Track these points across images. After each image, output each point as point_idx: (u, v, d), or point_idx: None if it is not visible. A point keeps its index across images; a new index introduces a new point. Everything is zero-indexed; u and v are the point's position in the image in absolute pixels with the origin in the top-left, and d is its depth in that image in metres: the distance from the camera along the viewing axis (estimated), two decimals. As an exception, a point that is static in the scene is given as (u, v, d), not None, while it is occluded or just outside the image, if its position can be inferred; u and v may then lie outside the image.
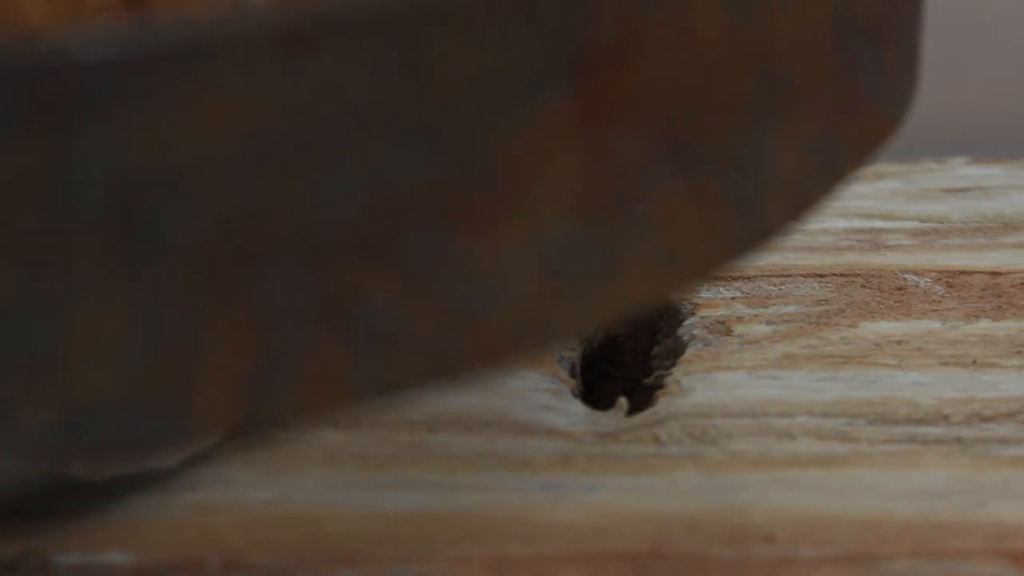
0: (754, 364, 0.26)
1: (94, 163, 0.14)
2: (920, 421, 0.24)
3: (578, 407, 0.25)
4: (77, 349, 0.14)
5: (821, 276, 0.29)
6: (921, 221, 0.31)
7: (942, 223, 0.31)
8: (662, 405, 0.25)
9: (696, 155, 0.16)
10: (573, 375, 0.26)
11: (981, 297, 0.28)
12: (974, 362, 0.26)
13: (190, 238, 0.14)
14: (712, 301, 0.28)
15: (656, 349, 0.27)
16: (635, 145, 0.16)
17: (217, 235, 0.14)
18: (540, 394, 0.25)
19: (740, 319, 0.27)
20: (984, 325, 0.27)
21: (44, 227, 0.14)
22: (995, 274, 0.29)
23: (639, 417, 0.24)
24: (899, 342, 0.26)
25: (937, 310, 0.27)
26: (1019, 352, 0.26)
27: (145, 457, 0.18)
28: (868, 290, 0.28)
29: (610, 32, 0.15)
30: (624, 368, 0.28)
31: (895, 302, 0.28)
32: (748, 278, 0.29)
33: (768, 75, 0.17)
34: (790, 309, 0.27)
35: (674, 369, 0.26)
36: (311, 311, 0.15)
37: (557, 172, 0.15)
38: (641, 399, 0.25)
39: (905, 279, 0.28)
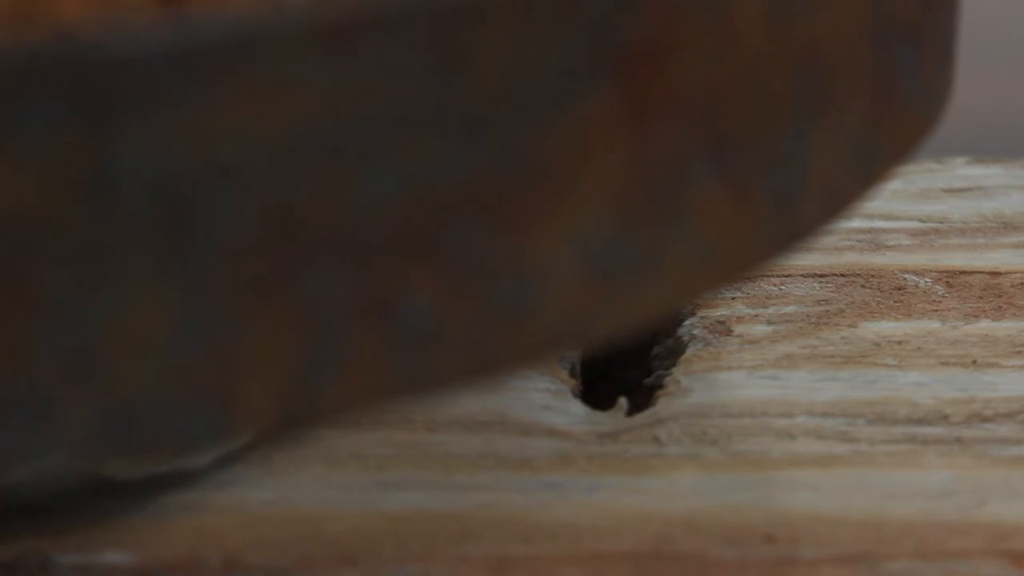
0: (754, 364, 0.26)
1: (138, 160, 0.14)
2: (920, 421, 0.24)
3: (578, 407, 0.25)
4: (121, 346, 0.14)
5: (821, 276, 0.29)
6: (921, 221, 0.31)
7: (942, 223, 0.31)
8: (662, 405, 0.25)
9: (736, 153, 0.16)
10: (573, 375, 0.26)
11: (981, 297, 0.28)
12: (974, 362, 0.26)
13: (234, 235, 0.14)
14: (712, 301, 0.28)
15: (656, 349, 0.27)
16: (677, 143, 0.16)
17: (261, 232, 0.14)
18: (540, 394, 0.25)
19: (740, 319, 0.27)
20: (984, 325, 0.27)
21: (88, 224, 0.14)
22: (995, 274, 0.29)
23: (639, 417, 0.24)
24: (899, 342, 0.26)
25: (937, 310, 0.27)
26: (1019, 352, 0.26)
27: (187, 453, 0.18)
28: (868, 290, 0.28)
29: (653, 29, 0.15)
30: (624, 368, 0.28)
31: (895, 302, 0.28)
32: (748, 278, 0.29)
33: (808, 73, 0.17)
34: (790, 309, 0.27)
35: (674, 369, 0.26)
36: (353, 308, 0.15)
37: (599, 169, 0.15)
38: (641, 399, 0.25)
39: (905, 279, 0.28)
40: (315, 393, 0.15)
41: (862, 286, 0.28)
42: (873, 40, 0.18)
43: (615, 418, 0.24)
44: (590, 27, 0.15)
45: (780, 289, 0.28)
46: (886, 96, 0.18)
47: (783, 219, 0.17)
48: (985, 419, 0.24)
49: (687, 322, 0.27)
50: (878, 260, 0.29)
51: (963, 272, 0.29)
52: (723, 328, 0.27)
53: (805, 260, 0.29)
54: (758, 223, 0.17)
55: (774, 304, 0.28)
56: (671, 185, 0.16)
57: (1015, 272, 0.29)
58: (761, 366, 0.26)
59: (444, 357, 0.15)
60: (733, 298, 0.28)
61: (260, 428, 0.15)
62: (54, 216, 0.14)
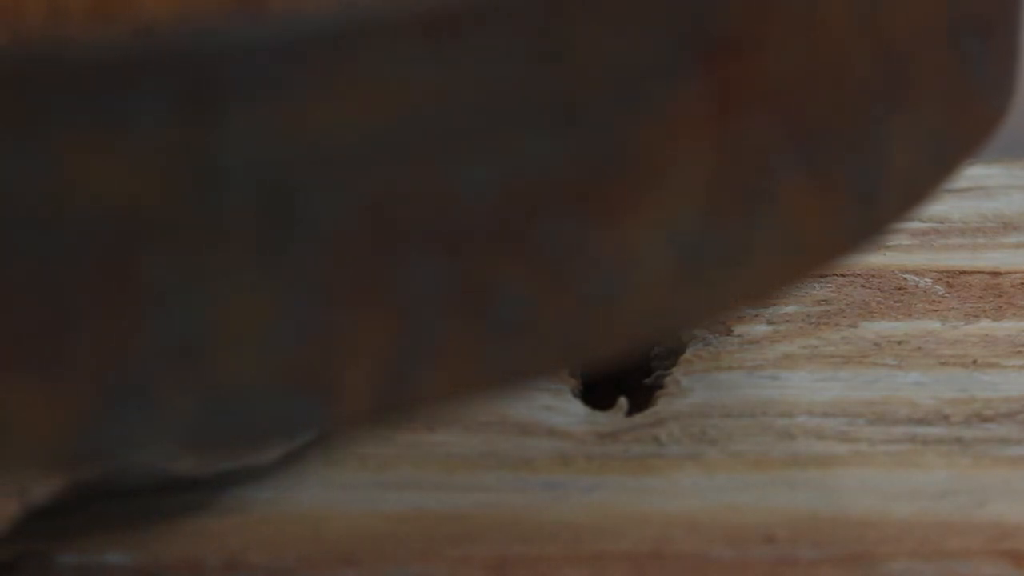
0: (754, 364, 0.26)
1: (242, 151, 0.14)
2: (920, 421, 0.24)
3: (578, 407, 0.25)
4: (223, 336, 0.14)
5: (821, 276, 0.29)
6: (921, 221, 0.31)
7: (942, 223, 0.31)
8: (662, 405, 0.25)
9: (821, 145, 0.17)
10: (573, 375, 0.26)
11: (981, 297, 0.28)
12: (974, 362, 0.26)
13: (335, 226, 0.14)
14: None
15: (656, 349, 0.27)
16: (764, 134, 0.16)
17: (361, 223, 0.14)
18: (540, 394, 0.25)
19: (740, 319, 0.27)
20: (984, 325, 0.27)
21: (192, 215, 0.14)
22: (995, 274, 0.29)
23: (639, 417, 0.24)
24: (899, 342, 0.26)
25: (937, 310, 0.27)
26: (1019, 352, 0.26)
27: (286, 442, 0.18)
28: (868, 290, 0.28)
29: (743, 21, 0.16)
30: (624, 368, 0.28)
31: (895, 302, 0.28)
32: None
33: (888, 64, 0.17)
34: (790, 309, 0.27)
35: (674, 369, 0.26)
36: (449, 298, 0.15)
37: (689, 160, 0.16)
38: (641, 399, 0.25)
39: (905, 279, 0.28)
40: (411, 383, 0.15)
41: (862, 286, 0.28)
42: (948, 32, 0.18)
43: (615, 418, 0.24)
44: (681, 19, 0.15)
45: (780, 289, 0.28)
46: (959, 88, 0.19)
47: (865, 211, 0.17)
48: (985, 419, 0.24)
49: (687, 322, 0.27)
50: (878, 260, 0.29)
51: (963, 272, 0.29)
52: (723, 328, 0.27)
53: (805, 260, 0.29)
54: (842, 215, 0.17)
55: (774, 304, 0.28)
56: (758, 176, 0.16)
57: (1015, 272, 0.29)
58: (761, 366, 0.26)
59: (536, 348, 0.15)
60: (733, 298, 0.28)
61: (357, 418, 0.15)
62: (159, 208, 0.14)
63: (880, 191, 0.17)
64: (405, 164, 0.14)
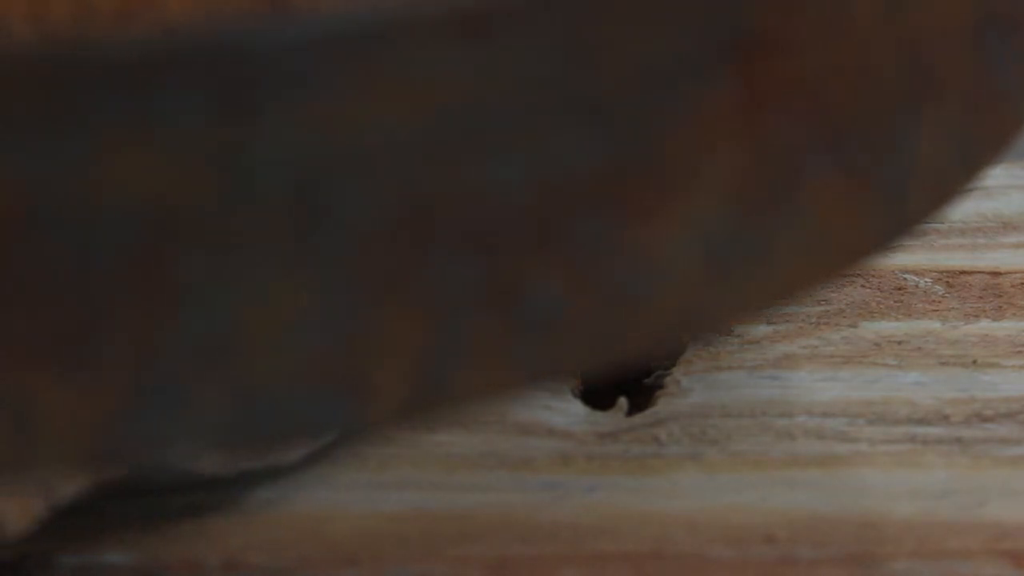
0: (754, 364, 0.26)
1: (274, 148, 0.14)
2: (920, 421, 0.24)
3: (578, 407, 0.25)
4: (255, 333, 0.14)
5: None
6: (921, 221, 0.31)
7: (942, 223, 0.31)
8: (662, 405, 0.25)
9: (851, 143, 0.17)
10: (573, 375, 0.26)
11: (981, 297, 0.28)
12: (974, 362, 0.26)
13: (367, 223, 0.14)
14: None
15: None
16: (793, 133, 0.16)
17: (393, 220, 0.14)
18: (540, 394, 0.25)
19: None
20: (984, 325, 0.27)
21: (225, 212, 0.14)
22: (995, 274, 0.29)
23: (639, 417, 0.24)
24: (899, 342, 0.26)
25: (937, 310, 0.27)
26: (1019, 352, 0.26)
27: (318, 440, 0.18)
28: (868, 290, 0.28)
29: (772, 20, 0.16)
30: (624, 368, 0.28)
31: (895, 302, 0.28)
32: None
33: (914, 63, 0.17)
34: (790, 309, 0.27)
35: (674, 369, 0.26)
36: (481, 296, 0.15)
37: (720, 159, 0.16)
38: (641, 399, 0.25)
39: (905, 279, 0.28)
40: (443, 380, 0.15)
41: (862, 286, 0.28)
42: (975, 31, 0.18)
43: (615, 418, 0.24)
44: (712, 18, 0.15)
45: (780, 289, 0.28)
46: (984, 88, 0.19)
47: (894, 209, 0.17)
48: (985, 419, 0.24)
49: (687, 322, 0.27)
50: (878, 260, 0.29)
51: (963, 272, 0.29)
52: (723, 328, 0.27)
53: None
54: (869, 214, 0.17)
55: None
56: (788, 175, 0.16)
57: (1015, 272, 0.29)
58: (761, 366, 0.26)
59: (566, 343, 0.15)
60: (733, 298, 0.28)
61: (389, 417, 0.15)
62: (192, 204, 0.14)
63: (907, 190, 0.17)
64: (437, 162, 0.14)
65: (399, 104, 0.14)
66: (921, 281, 0.28)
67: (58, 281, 0.14)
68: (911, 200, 0.18)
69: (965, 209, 0.31)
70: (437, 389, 0.15)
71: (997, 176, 0.33)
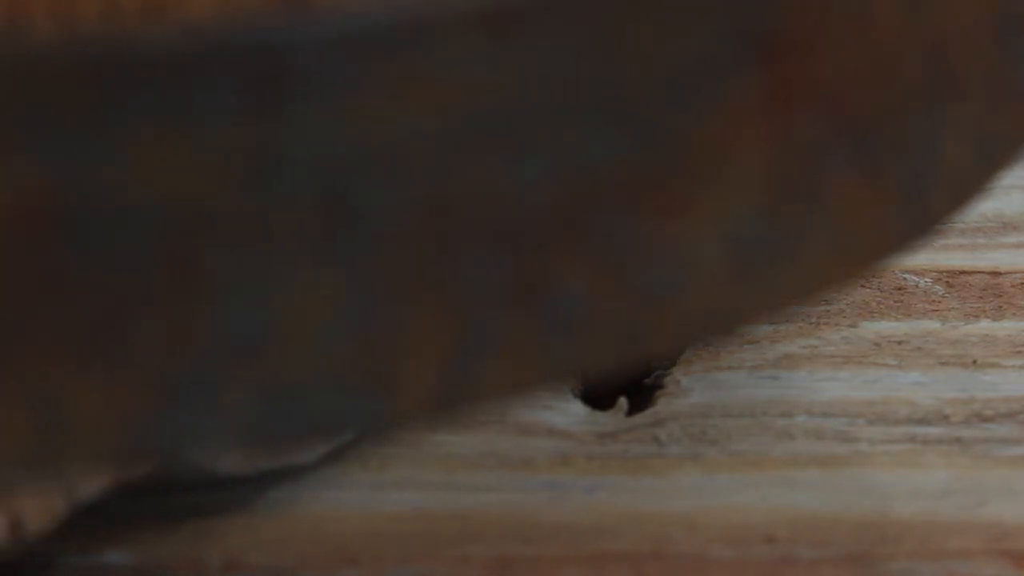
0: (754, 364, 0.26)
1: (303, 145, 0.14)
2: (920, 421, 0.24)
3: (578, 407, 0.25)
4: (285, 330, 0.14)
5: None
6: (921, 221, 0.31)
7: (942, 223, 0.31)
8: (662, 405, 0.25)
9: (872, 142, 0.17)
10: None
11: (981, 297, 0.28)
12: (974, 362, 0.26)
13: (395, 220, 0.14)
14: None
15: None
16: (818, 131, 0.16)
17: (420, 217, 0.14)
18: (540, 394, 0.25)
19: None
20: (984, 325, 0.27)
21: (254, 209, 0.14)
22: (995, 274, 0.29)
23: (639, 417, 0.24)
24: (899, 342, 0.26)
25: (937, 310, 0.27)
26: (1019, 352, 0.26)
27: (346, 437, 0.18)
28: (868, 290, 0.28)
29: (797, 19, 0.16)
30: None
31: (895, 302, 0.28)
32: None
33: (937, 63, 0.17)
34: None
35: (674, 369, 0.26)
36: (507, 292, 0.15)
37: (744, 156, 0.16)
38: (641, 399, 0.25)
39: (905, 279, 0.28)
40: (470, 378, 0.15)
41: (862, 286, 0.28)
42: (997, 31, 0.18)
43: (615, 418, 0.24)
44: (737, 14, 0.15)
45: (780, 289, 0.28)
46: (1006, 87, 0.19)
47: (916, 208, 0.17)
48: (985, 419, 0.24)
49: (687, 322, 0.27)
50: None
51: (963, 272, 0.29)
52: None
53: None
54: (893, 213, 0.17)
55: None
56: (812, 173, 0.16)
57: (1015, 272, 0.29)
58: (761, 366, 0.26)
59: (593, 342, 0.15)
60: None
61: (416, 414, 0.15)
62: (221, 201, 0.14)
63: (930, 189, 0.17)
64: (464, 159, 0.14)
65: (426, 102, 0.14)
66: (921, 281, 0.28)
67: (89, 279, 0.14)
68: (933, 199, 0.18)
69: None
70: (464, 387, 0.15)
71: (997, 176, 0.33)
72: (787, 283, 0.16)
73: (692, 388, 0.25)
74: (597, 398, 0.26)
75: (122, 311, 0.14)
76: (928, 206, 0.18)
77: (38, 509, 0.21)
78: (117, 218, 0.14)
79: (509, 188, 0.15)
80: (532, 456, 0.23)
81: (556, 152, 0.15)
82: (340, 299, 0.14)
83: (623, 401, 0.25)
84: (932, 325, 0.27)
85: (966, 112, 0.18)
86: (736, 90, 0.15)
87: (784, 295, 0.16)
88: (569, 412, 0.25)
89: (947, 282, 0.28)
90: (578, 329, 0.15)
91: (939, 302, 0.28)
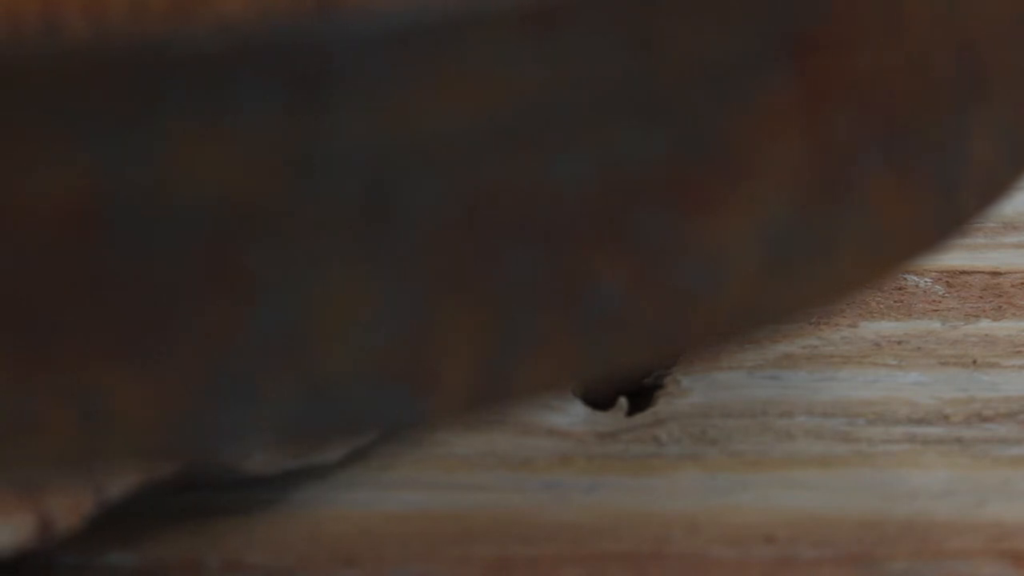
0: (754, 364, 0.26)
1: (345, 143, 0.14)
2: (920, 421, 0.24)
3: (578, 407, 0.25)
4: (325, 326, 0.14)
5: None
6: (921, 221, 0.31)
7: (942, 223, 0.31)
8: (662, 405, 0.25)
9: (905, 140, 0.17)
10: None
11: (981, 297, 0.28)
12: (974, 362, 0.26)
13: (435, 216, 0.14)
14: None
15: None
16: (851, 128, 0.16)
17: (460, 215, 0.14)
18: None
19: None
20: (984, 325, 0.27)
21: (295, 206, 0.14)
22: (995, 274, 0.29)
23: (639, 417, 0.24)
24: (899, 342, 0.26)
25: (937, 310, 0.27)
26: (1019, 352, 0.26)
27: (382, 435, 0.18)
28: (868, 290, 0.28)
29: (831, 17, 0.16)
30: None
31: (895, 302, 0.28)
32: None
33: (967, 63, 0.17)
34: (790, 309, 0.27)
35: (674, 369, 0.26)
36: (545, 290, 0.15)
37: (779, 153, 0.16)
38: (641, 399, 0.25)
39: (905, 279, 0.28)
40: (507, 376, 0.15)
41: (862, 286, 0.28)
42: None
43: (615, 418, 0.24)
44: (772, 13, 0.15)
45: (780, 289, 0.28)
46: None
47: (947, 206, 0.17)
48: (985, 419, 0.24)
49: (687, 322, 0.27)
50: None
51: (963, 272, 0.29)
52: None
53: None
54: (923, 210, 0.17)
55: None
56: (846, 170, 0.16)
57: (1015, 272, 0.29)
58: (761, 366, 0.26)
59: (628, 339, 0.15)
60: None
61: (454, 410, 0.15)
62: (262, 199, 0.14)
63: (962, 186, 0.18)
64: (504, 157, 0.14)
65: (466, 99, 0.14)
66: (921, 281, 0.28)
67: (131, 277, 0.14)
68: (964, 196, 0.18)
69: (965, 209, 0.31)
70: (501, 383, 0.15)
71: (997, 176, 0.33)
72: (822, 281, 0.16)
73: (692, 388, 0.25)
74: (597, 398, 0.26)
75: (165, 308, 0.14)
76: (959, 205, 0.18)
77: (68, 508, 0.21)
78: (160, 216, 0.14)
79: (548, 186, 0.15)
80: (532, 456, 0.23)
81: (595, 150, 0.15)
82: (380, 297, 0.14)
83: (623, 401, 0.25)
84: (932, 325, 0.27)
85: (996, 111, 0.18)
86: (772, 89, 0.15)
87: (818, 293, 0.16)
88: (569, 412, 0.25)
89: (947, 282, 0.28)
90: (614, 326, 0.15)
91: (939, 302, 0.28)
